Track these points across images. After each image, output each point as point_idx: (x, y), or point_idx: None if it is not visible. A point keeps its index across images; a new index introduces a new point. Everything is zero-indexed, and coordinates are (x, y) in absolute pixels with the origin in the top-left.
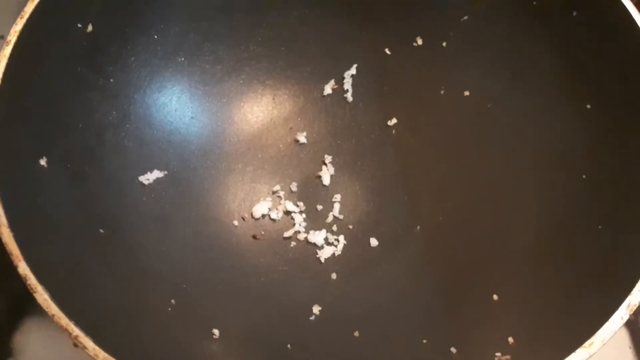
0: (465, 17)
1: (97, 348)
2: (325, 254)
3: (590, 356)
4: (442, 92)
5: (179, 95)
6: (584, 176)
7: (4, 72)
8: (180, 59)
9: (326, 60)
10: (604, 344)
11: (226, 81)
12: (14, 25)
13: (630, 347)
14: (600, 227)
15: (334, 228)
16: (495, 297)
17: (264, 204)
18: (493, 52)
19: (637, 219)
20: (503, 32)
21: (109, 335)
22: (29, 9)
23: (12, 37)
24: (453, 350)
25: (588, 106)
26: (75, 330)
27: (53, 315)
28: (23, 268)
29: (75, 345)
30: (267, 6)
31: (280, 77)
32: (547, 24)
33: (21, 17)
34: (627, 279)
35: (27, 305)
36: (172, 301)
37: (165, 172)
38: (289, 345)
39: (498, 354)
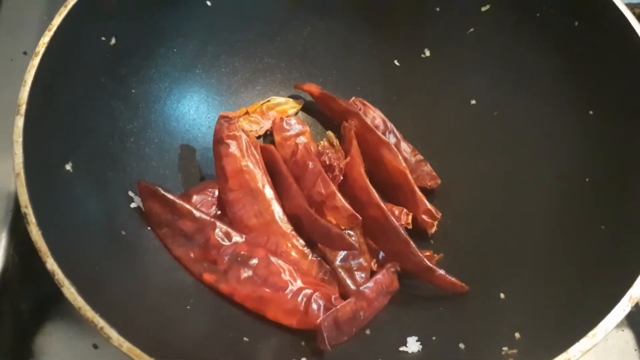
0: (471, 30)
1: (121, 338)
2: None
3: (593, 346)
4: (449, 101)
5: (197, 106)
6: (587, 179)
7: (33, 82)
8: (198, 71)
9: (337, 71)
10: (607, 341)
11: (242, 92)
12: (42, 37)
13: (635, 350)
14: (602, 227)
15: None
16: (502, 295)
17: None
18: (498, 62)
19: (637, 219)
20: (507, 43)
21: (132, 327)
22: (56, 22)
23: (40, 48)
24: (461, 346)
25: (590, 112)
26: (101, 322)
27: (79, 308)
28: (51, 264)
29: (95, 347)
30: (281, 21)
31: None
32: (550, 34)
33: (49, 30)
34: (629, 274)
35: (49, 309)
36: (191, 300)
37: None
38: None
39: (505, 349)
